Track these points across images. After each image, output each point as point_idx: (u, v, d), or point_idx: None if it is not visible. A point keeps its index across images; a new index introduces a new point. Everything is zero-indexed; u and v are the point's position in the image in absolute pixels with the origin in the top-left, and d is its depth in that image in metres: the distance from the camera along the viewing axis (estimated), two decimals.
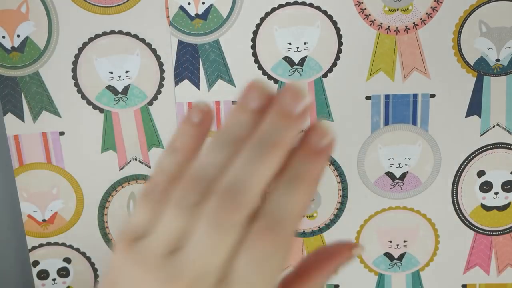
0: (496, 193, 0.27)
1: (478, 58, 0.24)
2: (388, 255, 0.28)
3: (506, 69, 0.24)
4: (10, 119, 0.27)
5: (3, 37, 0.26)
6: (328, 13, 0.24)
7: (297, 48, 0.25)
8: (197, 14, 0.24)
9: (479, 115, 0.25)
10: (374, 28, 0.24)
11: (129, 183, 0.28)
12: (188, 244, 0.14)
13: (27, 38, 0.26)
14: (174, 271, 0.15)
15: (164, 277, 0.15)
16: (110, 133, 0.27)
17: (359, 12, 0.24)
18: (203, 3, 0.24)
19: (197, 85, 0.25)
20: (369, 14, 0.24)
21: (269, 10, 0.24)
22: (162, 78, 0.26)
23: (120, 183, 0.28)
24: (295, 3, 0.23)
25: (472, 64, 0.24)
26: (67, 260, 0.29)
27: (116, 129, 0.27)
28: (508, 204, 0.27)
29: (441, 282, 0.29)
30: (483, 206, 0.27)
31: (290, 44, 0.25)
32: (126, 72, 0.27)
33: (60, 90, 0.27)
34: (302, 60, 0.25)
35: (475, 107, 0.25)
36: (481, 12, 0.24)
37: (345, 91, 0.26)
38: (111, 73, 0.26)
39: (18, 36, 0.26)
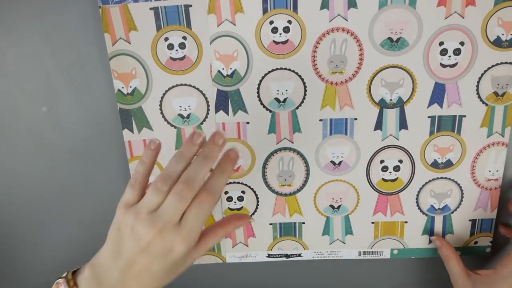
0: (390, 172, 0.38)
1: (380, 98, 0.36)
2: (331, 206, 0.39)
3: (395, 105, 0.36)
4: (126, 132, 0.37)
5: (122, 87, 0.35)
6: (299, 74, 0.35)
7: (282, 93, 0.36)
8: (227, 74, 0.35)
9: (381, 130, 0.37)
10: (323, 82, 0.35)
11: None
12: (162, 207, 0.25)
13: (135, 88, 0.36)
14: (155, 219, 0.25)
15: (148, 221, 0.25)
16: (179, 139, 0.37)
17: (316, 73, 0.35)
18: (231, 68, 0.35)
19: (227, 113, 0.36)
20: (321, 75, 0.35)
21: (266, 72, 0.35)
22: (208, 109, 0.36)
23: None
24: (280, 68, 0.35)
25: (377, 102, 0.36)
26: None
27: (183, 138, 0.37)
28: (396, 178, 0.38)
29: (360, 221, 0.40)
30: (383, 179, 0.38)
31: (278, 90, 0.36)
32: (189, 106, 0.36)
33: (152, 116, 0.36)
34: (284, 100, 0.36)
35: (379, 125, 0.36)
36: (382, 74, 0.35)
37: (308, 116, 0.36)
38: (180, 107, 0.36)
39: (131, 87, 0.35)
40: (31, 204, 0.40)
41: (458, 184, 0.39)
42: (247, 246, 0.41)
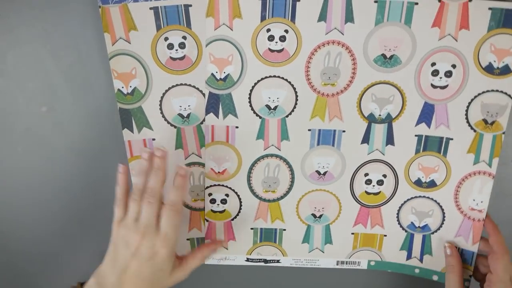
0: (373, 186, 0.38)
1: (369, 113, 0.36)
2: (313, 215, 0.40)
3: (384, 121, 0.36)
4: (126, 132, 0.37)
5: (122, 87, 0.35)
6: (292, 83, 0.35)
7: (273, 100, 0.36)
8: (220, 78, 0.35)
9: (368, 143, 0.37)
10: (315, 93, 0.35)
11: (190, 167, 0.38)
12: (141, 215, 0.34)
13: (135, 88, 0.35)
14: (138, 226, 0.33)
15: (134, 228, 0.33)
16: (179, 139, 0.37)
17: (308, 84, 0.35)
18: (224, 72, 0.35)
19: (217, 116, 0.36)
20: (313, 85, 0.36)
21: (259, 79, 0.35)
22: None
23: (187, 165, 0.38)
24: (274, 76, 0.35)
25: (366, 116, 0.36)
26: None
27: (183, 137, 0.37)
28: (379, 192, 0.39)
29: (341, 231, 0.40)
30: (366, 192, 0.39)
31: (269, 98, 0.36)
32: (189, 106, 0.36)
33: (152, 115, 0.36)
34: (275, 107, 0.36)
35: (366, 139, 0.37)
36: (372, 89, 0.35)
37: (297, 126, 0.36)
38: (180, 106, 0.36)
39: (131, 86, 0.35)
40: (31, 204, 0.40)
41: (440, 206, 0.39)
42: (226, 249, 0.41)
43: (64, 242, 0.42)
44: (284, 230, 0.41)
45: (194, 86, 0.36)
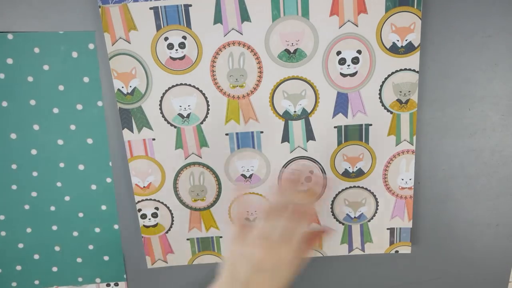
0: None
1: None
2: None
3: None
4: (125, 132, 0.36)
5: (122, 87, 0.35)
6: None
7: (184, 108, 0.36)
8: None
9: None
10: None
11: (190, 167, 0.37)
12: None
13: (135, 87, 0.35)
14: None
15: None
16: (179, 139, 0.36)
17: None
18: (130, 86, 0.35)
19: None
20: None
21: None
22: (208, 109, 0.35)
23: (185, 166, 0.37)
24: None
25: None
26: (157, 208, 0.39)
27: (183, 137, 0.36)
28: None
29: None
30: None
31: (180, 106, 0.36)
32: (188, 106, 0.36)
33: (152, 115, 0.36)
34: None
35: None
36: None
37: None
38: (180, 106, 0.36)
39: (131, 86, 0.35)
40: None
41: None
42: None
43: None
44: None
45: (194, 86, 0.35)
